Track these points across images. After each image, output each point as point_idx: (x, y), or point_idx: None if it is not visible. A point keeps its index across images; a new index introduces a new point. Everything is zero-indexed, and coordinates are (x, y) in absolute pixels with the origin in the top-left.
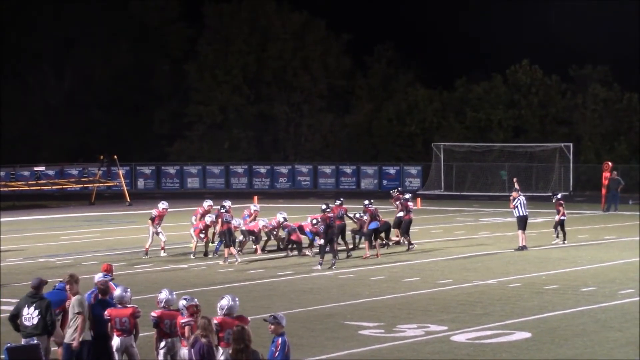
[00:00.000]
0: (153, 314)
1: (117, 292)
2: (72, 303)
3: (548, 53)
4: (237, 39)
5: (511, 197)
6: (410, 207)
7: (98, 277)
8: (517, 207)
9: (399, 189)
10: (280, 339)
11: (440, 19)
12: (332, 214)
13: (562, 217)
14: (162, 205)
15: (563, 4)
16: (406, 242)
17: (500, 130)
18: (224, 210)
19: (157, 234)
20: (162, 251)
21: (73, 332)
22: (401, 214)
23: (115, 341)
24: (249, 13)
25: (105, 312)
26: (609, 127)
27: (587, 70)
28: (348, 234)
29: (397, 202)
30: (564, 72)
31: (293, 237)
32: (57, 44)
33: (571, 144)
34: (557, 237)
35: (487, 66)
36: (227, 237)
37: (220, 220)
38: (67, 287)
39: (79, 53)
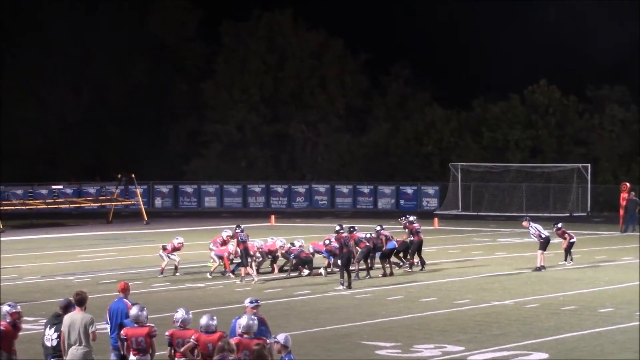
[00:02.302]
0: (167, 333)
1: (133, 311)
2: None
3: (565, 73)
4: (254, 58)
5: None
6: (417, 228)
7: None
8: (538, 230)
9: (406, 216)
10: (287, 358)
11: (457, 39)
12: (346, 235)
13: (572, 240)
14: (178, 240)
15: (581, 25)
16: (417, 263)
17: (518, 150)
18: (239, 230)
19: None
20: (176, 271)
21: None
22: (411, 237)
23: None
24: (266, 32)
25: (122, 332)
26: (627, 148)
27: (604, 91)
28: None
29: (405, 229)
30: (581, 92)
31: (303, 255)
32: (75, 62)
33: (589, 165)
34: (566, 260)
35: (505, 86)
36: (244, 256)
37: (236, 240)
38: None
39: (96, 70)
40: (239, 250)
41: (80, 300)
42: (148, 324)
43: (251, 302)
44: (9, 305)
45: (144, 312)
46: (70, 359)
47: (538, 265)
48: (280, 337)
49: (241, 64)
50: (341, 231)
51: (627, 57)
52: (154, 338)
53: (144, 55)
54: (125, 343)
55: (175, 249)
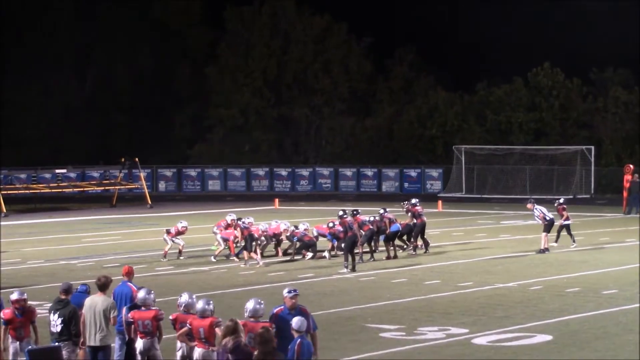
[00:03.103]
0: (171, 317)
1: (140, 294)
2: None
3: (569, 56)
4: (258, 43)
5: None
6: (419, 211)
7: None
8: (542, 212)
9: (409, 200)
10: (299, 340)
11: (461, 22)
12: (350, 218)
13: (567, 222)
14: (182, 224)
15: (584, 7)
16: (421, 245)
17: (521, 133)
18: (240, 222)
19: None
20: (180, 254)
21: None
22: (414, 220)
23: (139, 344)
24: (270, 16)
25: (129, 315)
26: (630, 130)
27: (608, 74)
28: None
29: (408, 212)
30: (584, 75)
31: (306, 239)
32: (79, 47)
33: (592, 147)
34: (556, 241)
35: (508, 69)
36: (248, 241)
37: (239, 228)
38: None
39: (100, 56)
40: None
41: (103, 285)
42: (154, 307)
43: (289, 292)
44: (15, 292)
45: (151, 295)
46: (90, 343)
47: (542, 247)
48: (294, 321)
49: (245, 48)
50: (344, 216)
51: (630, 40)
52: (160, 321)
53: (148, 40)
54: (132, 326)
55: (179, 233)
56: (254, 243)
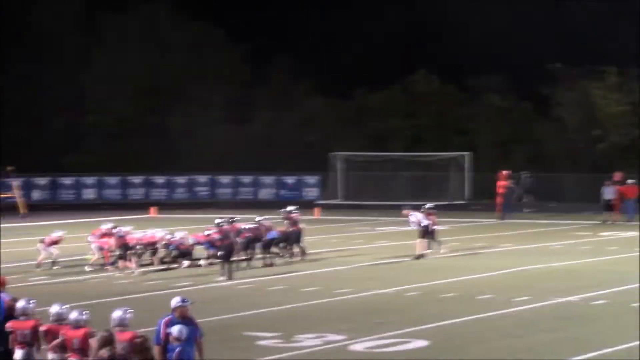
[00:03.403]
0: (41, 328)
1: (20, 303)
2: None
3: (445, 62)
4: (133, 49)
5: (405, 213)
6: (295, 218)
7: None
8: (418, 218)
9: (285, 208)
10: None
11: (339, 28)
12: (227, 226)
13: (435, 227)
14: (56, 233)
15: (461, 14)
16: (297, 253)
17: (399, 139)
18: (115, 230)
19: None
20: (54, 264)
21: None
22: (291, 228)
23: (17, 354)
24: (145, 23)
25: (8, 324)
26: (505, 137)
27: (483, 80)
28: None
29: (285, 220)
30: (461, 81)
31: (182, 247)
32: None
33: (468, 153)
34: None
35: (386, 76)
36: (123, 249)
37: (114, 237)
38: None
39: None
40: (124, 243)
41: None
42: (34, 317)
43: (181, 301)
44: None
45: (31, 305)
46: None
47: (418, 253)
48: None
49: (119, 55)
50: (222, 224)
51: (505, 45)
52: (40, 331)
53: (22, 46)
54: (10, 336)
55: (53, 242)
56: (128, 252)
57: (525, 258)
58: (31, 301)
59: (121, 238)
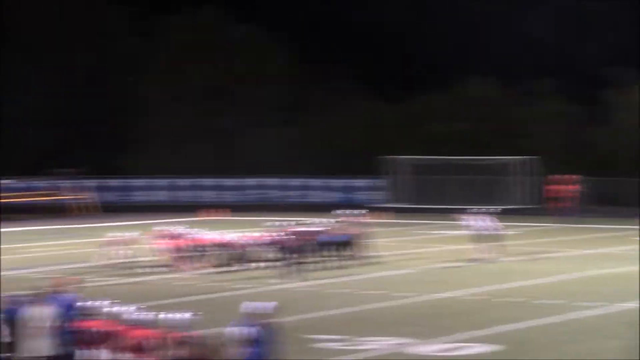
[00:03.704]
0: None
1: (89, 304)
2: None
3: (506, 66)
4: (189, 53)
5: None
6: (351, 221)
7: None
8: (478, 223)
9: (342, 211)
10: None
11: (398, 32)
12: (289, 230)
13: (494, 232)
14: (129, 234)
15: (519, 18)
16: (359, 256)
17: (458, 143)
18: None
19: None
20: (125, 264)
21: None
22: (354, 231)
23: (87, 354)
24: (201, 27)
25: (76, 324)
26: (568, 140)
27: (545, 83)
28: None
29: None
30: (522, 85)
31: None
32: (18, 59)
33: (529, 157)
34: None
35: (445, 79)
36: (183, 253)
37: (172, 240)
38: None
39: (39, 67)
40: (181, 245)
41: (45, 295)
42: (103, 318)
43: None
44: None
45: (95, 305)
46: (29, 352)
47: (480, 257)
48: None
49: (175, 59)
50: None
51: (568, 49)
52: None
53: (84, 50)
54: (77, 336)
55: (125, 242)
56: (195, 253)
57: (588, 263)
58: (100, 301)
59: (178, 237)
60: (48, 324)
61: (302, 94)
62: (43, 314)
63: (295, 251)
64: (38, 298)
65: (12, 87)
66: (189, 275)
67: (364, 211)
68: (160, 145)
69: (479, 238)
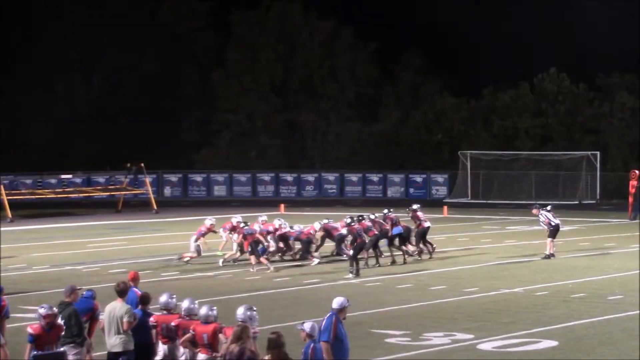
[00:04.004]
0: (173, 323)
1: (162, 298)
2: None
3: (576, 61)
4: (264, 47)
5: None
6: (420, 216)
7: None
8: (548, 218)
9: (411, 206)
10: (312, 344)
11: (467, 28)
12: (358, 226)
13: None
14: (210, 221)
15: (591, 12)
16: (425, 250)
17: (527, 138)
18: (242, 225)
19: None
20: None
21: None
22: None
23: (161, 348)
24: (277, 21)
25: (151, 319)
26: (636, 136)
27: (614, 79)
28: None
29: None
30: (591, 80)
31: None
32: (86, 52)
33: (598, 153)
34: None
35: (514, 75)
36: (254, 247)
37: (241, 235)
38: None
39: (107, 61)
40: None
41: (122, 291)
42: (176, 312)
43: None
44: (43, 308)
45: (174, 300)
46: (111, 349)
47: (547, 252)
48: (307, 326)
49: (252, 53)
50: (352, 224)
51: (636, 44)
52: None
53: (155, 45)
54: (155, 330)
55: (209, 231)
56: (259, 248)
57: None
58: (173, 296)
59: (250, 235)
60: (125, 319)
61: (377, 90)
62: (119, 310)
63: (366, 246)
64: (116, 293)
65: (76, 81)
66: (266, 270)
67: (417, 206)
68: (230, 140)
69: (550, 233)
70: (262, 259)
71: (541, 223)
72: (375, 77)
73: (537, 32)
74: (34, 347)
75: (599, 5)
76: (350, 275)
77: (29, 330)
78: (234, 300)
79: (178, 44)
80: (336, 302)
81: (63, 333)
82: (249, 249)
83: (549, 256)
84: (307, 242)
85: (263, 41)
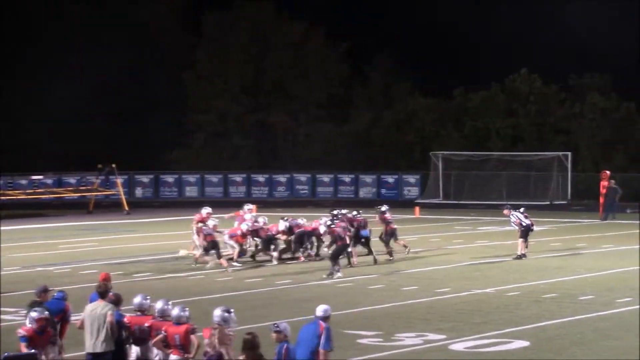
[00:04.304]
0: (146, 324)
1: (136, 299)
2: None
3: (547, 62)
4: (236, 48)
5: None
6: (388, 218)
7: None
8: (519, 219)
9: (377, 207)
10: (285, 345)
11: (438, 28)
12: (339, 228)
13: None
14: (206, 210)
15: (562, 13)
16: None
17: (499, 139)
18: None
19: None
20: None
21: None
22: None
23: (134, 350)
24: (248, 21)
25: (125, 319)
26: (607, 136)
27: (585, 79)
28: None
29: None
30: (562, 81)
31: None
32: (57, 52)
33: (569, 153)
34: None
35: (486, 75)
36: (210, 247)
37: (202, 235)
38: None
39: (78, 61)
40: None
41: (103, 292)
42: (150, 314)
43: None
44: (36, 311)
45: (147, 301)
46: (91, 349)
47: (519, 253)
48: (281, 327)
49: (223, 53)
50: (333, 225)
51: (608, 45)
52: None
53: (126, 45)
54: (128, 331)
55: (204, 220)
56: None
57: (627, 259)
58: (147, 297)
59: (209, 235)
60: (102, 320)
61: (348, 90)
62: (100, 310)
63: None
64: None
65: (46, 82)
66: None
67: (385, 207)
68: (202, 141)
69: (521, 234)
70: (222, 260)
71: (512, 224)
72: (347, 78)
73: (509, 32)
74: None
75: (570, 6)
76: (339, 274)
77: (21, 331)
78: (205, 302)
79: (149, 44)
80: (323, 310)
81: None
82: (206, 247)
83: (521, 256)
84: (268, 240)
85: (234, 42)
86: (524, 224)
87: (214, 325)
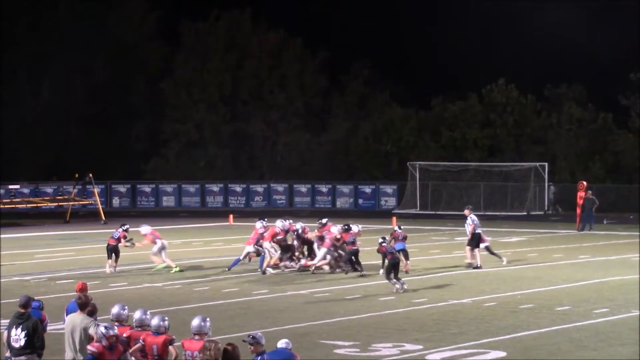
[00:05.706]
0: (124, 334)
1: (114, 309)
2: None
3: (523, 73)
4: (213, 57)
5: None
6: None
7: None
8: (474, 223)
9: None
10: (265, 355)
11: (416, 39)
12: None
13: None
14: (260, 223)
15: (539, 24)
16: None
17: (476, 149)
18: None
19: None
20: (270, 268)
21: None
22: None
23: None
24: (225, 31)
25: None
26: (584, 147)
27: (562, 90)
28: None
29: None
30: (539, 91)
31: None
32: (33, 60)
33: (546, 164)
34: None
35: (463, 85)
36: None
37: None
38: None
39: (55, 69)
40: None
41: (83, 304)
42: (128, 324)
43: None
44: (105, 327)
45: (125, 311)
46: None
47: (468, 261)
48: (258, 337)
49: (200, 63)
50: (384, 244)
51: (584, 56)
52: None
53: (104, 54)
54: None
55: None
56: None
57: (604, 270)
58: (125, 307)
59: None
60: (82, 332)
61: (326, 100)
62: (80, 322)
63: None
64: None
65: (23, 91)
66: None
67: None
68: (178, 150)
69: (472, 242)
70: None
71: (467, 225)
72: (324, 87)
73: (486, 43)
74: None
75: (547, 16)
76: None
77: (91, 348)
78: (182, 311)
79: (127, 53)
80: (286, 342)
81: (22, 344)
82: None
83: (470, 265)
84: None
85: (212, 51)
86: (476, 231)
87: (202, 336)
